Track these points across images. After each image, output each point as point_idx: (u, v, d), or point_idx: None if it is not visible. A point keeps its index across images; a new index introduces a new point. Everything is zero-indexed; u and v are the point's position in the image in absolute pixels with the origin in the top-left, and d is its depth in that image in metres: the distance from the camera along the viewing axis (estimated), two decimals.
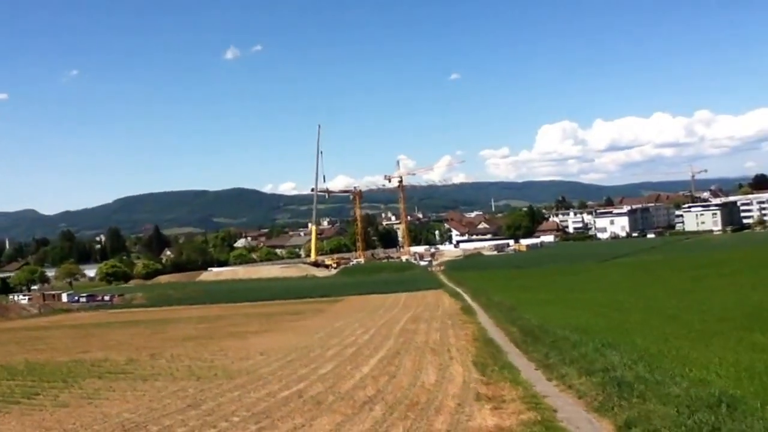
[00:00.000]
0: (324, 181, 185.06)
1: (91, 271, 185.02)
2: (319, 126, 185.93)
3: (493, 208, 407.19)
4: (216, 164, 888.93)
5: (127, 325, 63.20)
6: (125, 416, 17.81)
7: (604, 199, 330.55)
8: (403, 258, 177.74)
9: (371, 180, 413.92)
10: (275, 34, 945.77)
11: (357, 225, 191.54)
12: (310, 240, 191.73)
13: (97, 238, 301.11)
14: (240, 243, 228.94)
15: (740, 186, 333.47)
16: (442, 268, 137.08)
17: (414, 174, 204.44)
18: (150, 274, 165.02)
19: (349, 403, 17.93)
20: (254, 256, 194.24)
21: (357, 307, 66.56)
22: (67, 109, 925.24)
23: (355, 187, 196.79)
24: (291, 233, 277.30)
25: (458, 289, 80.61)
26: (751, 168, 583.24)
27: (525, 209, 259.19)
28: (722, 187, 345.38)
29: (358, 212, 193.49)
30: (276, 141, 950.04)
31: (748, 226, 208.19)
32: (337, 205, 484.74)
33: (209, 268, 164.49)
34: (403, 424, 15.06)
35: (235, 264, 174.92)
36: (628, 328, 28.91)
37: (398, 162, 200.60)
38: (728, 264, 75.34)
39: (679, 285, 58.61)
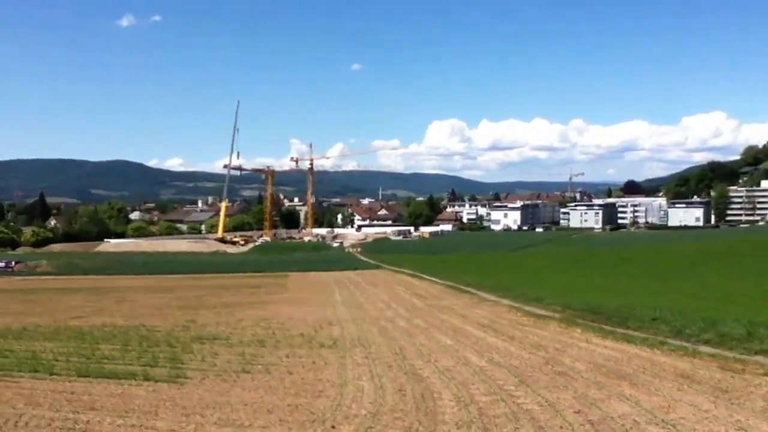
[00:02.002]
0: (238, 158, 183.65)
1: None
2: (239, 102, 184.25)
3: (380, 197, 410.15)
4: (97, 134, 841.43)
5: (62, 293, 56.47)
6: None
7: (492, 194, 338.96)
8: (305, 239, 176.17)
9: (263, 161, 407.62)
10: (175, 6, 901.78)
11: (266, 204, 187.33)
12: (212, 216, 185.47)
13: None
14: (134, 216, 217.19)
15: (609, 190, 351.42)
16: (359, 249, 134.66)
17: (328, 158, 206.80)
18: (40, 242, 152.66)
19: (580, 375, 15.08)
20: (153, 229, 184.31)
21: (319, 282, 62.66)
22: None
23: (267, 167, 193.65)
24: (187, 208, 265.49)
25: (404, 270, 78.08)
26: (612, 174, 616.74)
27: (423, 199, 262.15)
28: (587, 190, 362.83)
29: (269, 191, 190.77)
30: (165, 116, 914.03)
31: (624, 226, 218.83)
32: (221, 183, 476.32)
33: (105, 239, 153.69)
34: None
35: (133, 236, 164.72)
36: (718, 308, 26.91)
37: (311, 145, 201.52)
38: (671, 255, 76.81)
39: (659, 273, 58.24)
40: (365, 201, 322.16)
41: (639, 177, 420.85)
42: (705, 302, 29.98)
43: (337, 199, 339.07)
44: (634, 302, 30.10)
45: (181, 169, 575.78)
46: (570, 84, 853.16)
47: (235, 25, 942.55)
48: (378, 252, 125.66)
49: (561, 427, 10.91)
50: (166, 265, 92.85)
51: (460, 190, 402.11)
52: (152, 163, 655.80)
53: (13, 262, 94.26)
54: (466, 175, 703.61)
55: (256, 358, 18.64)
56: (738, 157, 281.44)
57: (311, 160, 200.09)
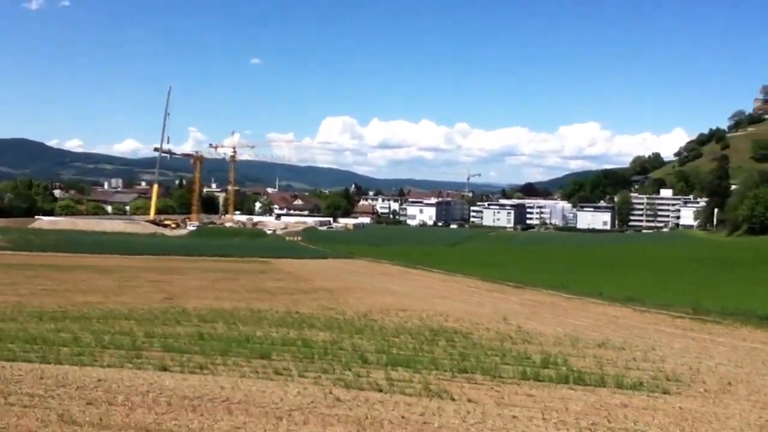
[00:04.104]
0: (168, 142, 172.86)
1: None
2: (170, 88, 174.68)
3: (277, 188, 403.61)
4: None
5: (66, 271, 49.86)
6: None
7: (395, 189, 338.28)
8: (227, 224, 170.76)
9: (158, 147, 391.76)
10: None
11: (195, 189, 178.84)
12: (135, 198, 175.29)
13: None
14: (56, 194, 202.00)
15: (504, 191, 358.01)
16: (300, 238, 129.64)
17: (252, 146, 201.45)
18: None
19: None
20: (81, 208, 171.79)
21: (330, 269, 58.93)
22: None
23: (196, 152, 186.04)
24: (104, 190, 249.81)
25: (382, 260, 74.82)
26: (494, 177, 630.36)
27: (326, 191, 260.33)
28: (474, 190, 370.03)
29: (197, 176, 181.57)
30: (65, 97, 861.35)
31: (533, 226, 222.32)
32: (126, 167, 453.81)
33: (37, 216, 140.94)
34: None
35: (62, 215, 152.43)
36: None
37: (232, 132, 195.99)
38: (651, 258, 76.64)
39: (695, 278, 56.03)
40: (269, 190, 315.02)
41: (520, 180, 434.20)
42: None
43: (237, 188, 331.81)
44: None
45: (81, 150, 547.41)
46: (455, 89, 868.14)
47: (139, 16, 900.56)
48: (319, 241, 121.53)
49: None
50: (122, 245, 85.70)
51: (354, 184, 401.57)
52: (52, 142, 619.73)
53: None
54: (358, 170, 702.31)
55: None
56: (626, 166, 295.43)
57: (234, 148, 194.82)
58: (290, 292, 36.71)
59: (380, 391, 10.78)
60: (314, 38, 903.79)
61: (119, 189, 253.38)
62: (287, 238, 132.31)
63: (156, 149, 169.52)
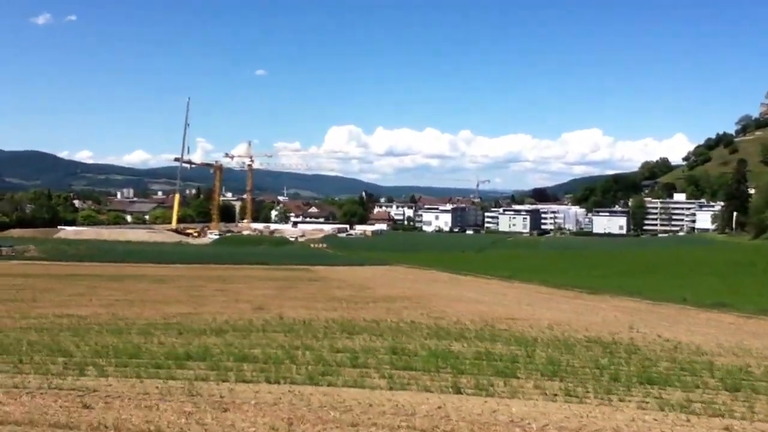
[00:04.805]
0: (188, 152, 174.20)
1: None
2: (189, 99, 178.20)
3: (285, 196, 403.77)
4: (9, 124, 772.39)
5: (124, 280, 47.81)
6: None
7: (405, 196, 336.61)
8: (244, 232, 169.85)
9: (167, 157, 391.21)
10: (89, 9, 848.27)
11: (215, 198, 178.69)
12: (154, 208, 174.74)
13: None
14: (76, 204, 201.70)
15: (513, 197, 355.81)
16: (324, 245, 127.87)
17: (269, 156, 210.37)
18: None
19: None
20: (102, 218, 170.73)
21: (384, 277, 56.99)
22: None
23: (216, 161, 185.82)
24: (118, 199, 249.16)
25: (423, 267, 73.04)
26: (499, 183, 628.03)
27: (356, 198, 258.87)
28: (480, 196, 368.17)
29: (217, 185, 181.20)
30: (75, 109, 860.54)
31: (548, 231, 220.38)
32: (136, 177, 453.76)
33: (60, 227, 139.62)
34: None
35: (84, 224, 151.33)
36: None
37: (249, 142, 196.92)
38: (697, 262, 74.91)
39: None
40: (280, 198, 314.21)
41: (524, 186, 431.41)
42: None
43: (244, 197, 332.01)
44: None
45: (91, 161, 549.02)
46: (459, 96, 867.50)
47: (144, 29, 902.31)
48: (344, 248, 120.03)
49: None
50: (155, 254, 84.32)
51: (360, 191, 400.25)
52: (63, 154, 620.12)
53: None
54: (364, 178, 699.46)
55: None
56: (630, 171, 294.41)
57: (251, 157, 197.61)
58: (369, 300, 34.69)
59: (721, 416, 9.01)
60: (318, 48, 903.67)
61: (132, 199, 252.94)
62: (312, 245, 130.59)
63: (176, 159, 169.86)
